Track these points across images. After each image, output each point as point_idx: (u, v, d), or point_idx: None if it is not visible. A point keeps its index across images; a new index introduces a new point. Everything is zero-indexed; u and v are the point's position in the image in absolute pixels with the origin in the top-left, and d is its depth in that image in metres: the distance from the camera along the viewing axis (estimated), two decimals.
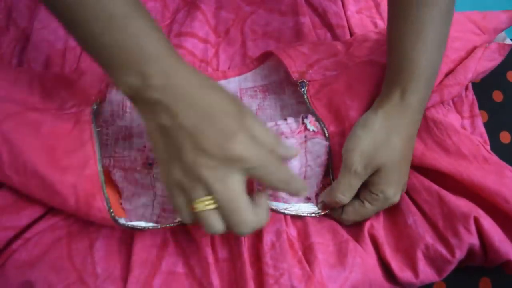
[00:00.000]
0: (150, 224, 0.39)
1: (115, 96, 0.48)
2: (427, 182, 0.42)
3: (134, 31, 0.32)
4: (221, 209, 0.33)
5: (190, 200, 0.33)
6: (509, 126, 0.51)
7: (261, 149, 0.33)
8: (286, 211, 0.41)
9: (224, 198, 0.33)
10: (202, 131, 0.32)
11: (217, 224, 0.33)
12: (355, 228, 0.42)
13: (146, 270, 0.39)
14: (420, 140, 0.45)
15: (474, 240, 0.39)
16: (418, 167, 0.44)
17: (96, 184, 0.38)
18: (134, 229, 0.39)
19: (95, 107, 0.43)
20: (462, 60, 0.47)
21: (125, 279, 0.38)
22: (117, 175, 0.43)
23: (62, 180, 0.38)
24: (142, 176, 0.43)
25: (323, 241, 0.41)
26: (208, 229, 0.34)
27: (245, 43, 0.53)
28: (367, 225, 0.42)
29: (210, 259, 0.39)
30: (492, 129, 0.50)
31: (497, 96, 0.52)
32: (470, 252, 0.40)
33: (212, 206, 0.33)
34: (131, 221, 0.39)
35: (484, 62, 0.47)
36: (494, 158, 0.44)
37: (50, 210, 0.41)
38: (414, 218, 0.41)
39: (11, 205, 0.40)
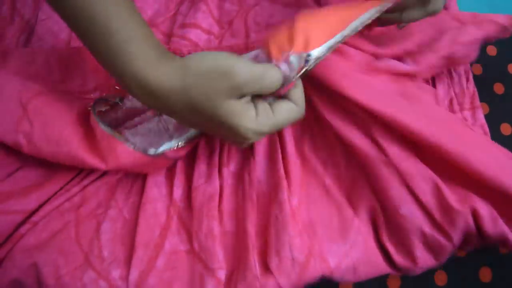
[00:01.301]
0: (179, 142, 0.40)
1: None
2: (423, 168, 0.42)
3: (123, 37, 0.34)
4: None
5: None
6: (510, 118, 0.52)
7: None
8: None
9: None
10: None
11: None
12: (357, 210, 0.43)
13: (149, 251, 0.40)
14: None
15: (471, 229, 0.40)
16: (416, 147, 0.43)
17: (108, 137, 0.39)
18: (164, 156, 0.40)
19: (117, 100, 0.44)
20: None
21: (129, 260, 0.39)
22: (128, 132, 0.44)
23: (92, 152, 0.40)
24: (153, 124, 0.44)
25: (327, 216, 0.42)
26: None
27: (249, 35, 0.53)
28: (368, 210, 0.42)
29: (216, 231, 0.40)
30: (493, 121, 0.51)
31: (498, 88, 0.53)
32: (467, 236, 0.41)
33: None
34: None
35: (471, 30, 0.47)
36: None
37: (57, 193, 0.42)
38: (408, 207, 0.41)
39: (19, 188, 0.41)
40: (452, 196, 0.40)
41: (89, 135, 0.41)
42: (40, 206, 0.41)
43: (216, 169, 0.43)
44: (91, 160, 0.40)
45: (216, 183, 0.43)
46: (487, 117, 0.50)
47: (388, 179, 0.41)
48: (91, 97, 0.45)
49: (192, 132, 0.40)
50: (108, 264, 0.39)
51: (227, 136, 0.36)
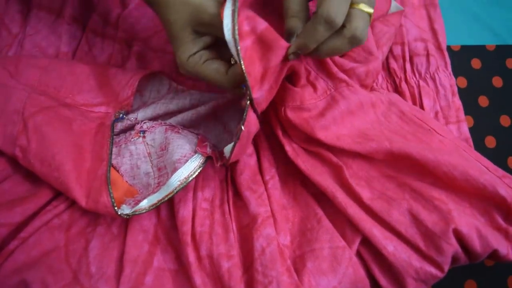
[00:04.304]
0: (148, 204, 0.41)
1: None
2: (397, 203, 0.42)
3: None
4: None
5: None
6: (494, 131, 0.52)
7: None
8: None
9: None
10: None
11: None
12: (349, 241, 0.43)
13: (137, 267, 0.41)
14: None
15: (456, 248, 0.40)
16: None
17: (103, 182, 0.41)
18: (138, 214, 0.41)
19: (121, 115, 0.46)
20: None
21: (118, 277, 0.40)
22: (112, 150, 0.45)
23: (80, 184, 0.41)
24: (137, 146, 0.45)
25: (318, 246, 0.42)
26: None
27: None
28: (354, 248, 0.42)
29: (191, 258, 0.41)
30: (478, 134, 0.51)
31: (483, 101, 0.54)
32: (454, 258, 0.41)
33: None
34: (135, 202, 0.41)
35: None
36: (449, 138, 0.45)
37: (43, 208, 0.43)
38: (394, 244, 0.41)
39: (4, 201, 0.42)
40: (430, 219, 0.40)
41: (81, 165, 0.42)
42: (27, 220, 0.42)
43: (191, 192, 0.44)
44: (76, 192, 0.41)
45: (190, 206, 0.43)
46: (471, 130, 0.51)
47: (366, 220, 0.41)
48: (95, 111, 0.47)
49: (163, 194, 0.41)
50: (96, 280, 0.40)
51: None
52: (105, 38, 0.53)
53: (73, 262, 0.41)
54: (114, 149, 0.45)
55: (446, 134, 0.45)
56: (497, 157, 0.47)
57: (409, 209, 0.42)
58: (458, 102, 0.52)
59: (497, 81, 0.55)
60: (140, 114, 0.48)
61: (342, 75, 0.45)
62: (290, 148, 0.45)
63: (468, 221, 0.40)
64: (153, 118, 0.49)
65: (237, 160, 0.45)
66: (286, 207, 0.45)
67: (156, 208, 0.44)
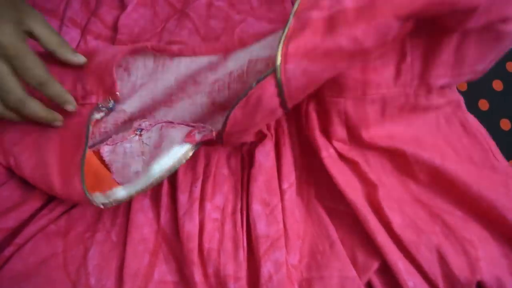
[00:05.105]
0: (126, 193, 0.40)
1: None
2: (426, 237, 0.41)
3: None
4: None
5: None
6: (494, 134, 0.52)
7: (23, 43, 0.39)
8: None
9: None
10: None
11: None
12: (361, 272, 0.41)
13: (138, 281, 0.40)
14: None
15: None
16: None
17: (77, 167, 0.40)
18: (116, 203, 0.40)
19: (111, 105, 0.45)
20: None
21: None
22: (106, 149, 0.44)
23: (59, 172, 0.41)
24: (132, 144, 0.44)
25: (327, 274, 0.40)
26: None
27: None
28: (365, 278, 0.41)
29: (197, 277, 0.39)
30: None
31: (483, 104, 0.54)
32: None
33: None
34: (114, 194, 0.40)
35: None
36: (502, 165, 0.43)
37: (38, 212, 0.43)
38: (415, 281, 0.39)
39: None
40: (456, 264, 0.39)
41: (65, 157, 0.42)
42: (22, 225, 0.42)
43: (197, 203, 0.42)
44: (54, 179, 0.40)
45: (196, 220, 0.41)
46: None
47: (393, 253, 0.40)
48: (87, 102, 0.46)
49: (143, 185, 0.40)
50: None
51: None
52: (104, 41, 0.53)
53: (72, 272, 0.41)
54: (109, 147, 0.45)
55: (500, 158, 0.44)
56: None
57: (438, 246, 0.40)
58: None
59: (497, 85, 0.55)
60: (127, 105, 0.47)
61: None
62: (327, 154, 0.43)
63: (492, 270, 0.39)
64: (142, 110, 0.47)
65: (253, 161, 0.43)
66: (298, 220, 0.43)
67: (156, 215, 0.44)
